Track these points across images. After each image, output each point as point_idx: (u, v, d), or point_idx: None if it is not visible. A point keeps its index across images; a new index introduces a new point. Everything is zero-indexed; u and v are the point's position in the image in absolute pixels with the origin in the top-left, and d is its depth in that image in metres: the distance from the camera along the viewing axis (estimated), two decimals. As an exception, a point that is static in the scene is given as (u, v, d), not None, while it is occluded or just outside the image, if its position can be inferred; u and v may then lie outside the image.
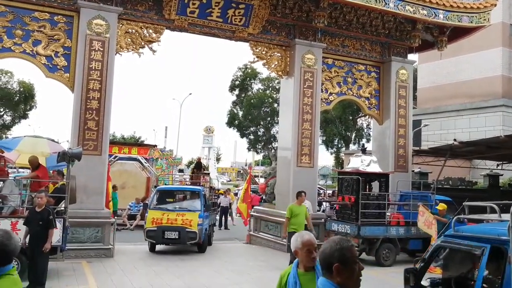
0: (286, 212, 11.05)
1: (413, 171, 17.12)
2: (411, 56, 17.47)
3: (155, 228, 12.30)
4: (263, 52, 14.71)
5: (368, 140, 41.99)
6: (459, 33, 16.42)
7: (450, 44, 16.79)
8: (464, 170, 22.50)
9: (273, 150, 42.98)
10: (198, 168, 20.51)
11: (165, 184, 20.47)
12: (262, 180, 22.51)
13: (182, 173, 24.15)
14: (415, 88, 27.10)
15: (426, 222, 11.99)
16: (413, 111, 18.97)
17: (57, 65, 12.03)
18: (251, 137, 47.17)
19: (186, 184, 19.25)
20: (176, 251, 12.94)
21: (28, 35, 11.78)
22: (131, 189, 19.70)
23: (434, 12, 14.63)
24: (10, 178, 10.49)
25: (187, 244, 12.61)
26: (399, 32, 16.04)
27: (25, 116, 47.24)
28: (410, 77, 16.42)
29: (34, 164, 10.35)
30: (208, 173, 21.66)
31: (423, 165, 19.50)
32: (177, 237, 12.26)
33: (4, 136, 41.55)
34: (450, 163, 18.43)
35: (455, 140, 15.72)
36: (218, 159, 75.83)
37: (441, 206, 12.43)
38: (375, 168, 13.30)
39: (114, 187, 16.39)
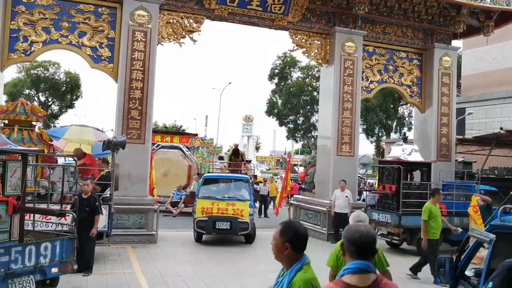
0: (423, 214, 9.33)
1: (456, 160, 16.69)
2: (455, 43, 16.92)
3: (206, 218, 11.94)
4: (303, 40, 14.62)
5: (409, 129, 41.10)
6: (507, 17, 15.78)
7: (497, 29, 16.18)
8: (511, 159, 21.72)
9: (312, 139, 42.75)
10: (236, 155, 19.92)
11: (207, 172, 20.53)
12: (301, 169, 22.52)
13: (223, 161, 23.46)
14: (459, 75, 26.28)
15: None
16: (457, 99, 18.47)
17: (101, 56, 12.39)
18: (290, 125, 47.11)
19: (227, 172, 18.96)
20: (218, 239, 13.04)
21: (74, 27, 12.17)
22: (173, 177, 20.14)
23: (481, -4, 14.12)
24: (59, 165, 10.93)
25: (238, 235, 12.39)
26: (442, 18, 15.57)
27: (71, 106, 48.88)
28: (454, 64, 15.96)
29: (79, 155, 10.73)
30: (250, 161, 21.62)
31: (467, 154, 18.96)
32: (228, 227, 11.93)
33: (52, 125, 43.14)
34: (495, 152, 17.87)
35: (501, 128, 15.21)
36: (257, 148, 76.18)
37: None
38: (416, 157, 13.07)
39: None
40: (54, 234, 7.17)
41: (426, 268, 9.53)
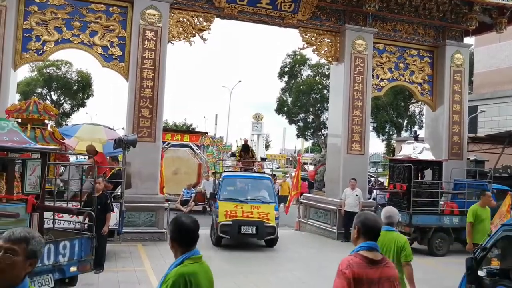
0: (468, 215, 8.65)
1: (468, 159, 16.56)
2: (467, 40, 16.76)
3: (230, 222, 11.14)
4: (313, 38, 14.59)
5: (420, 127, 40.85)
6: (520, 14, 15.60)
7: (510, 26, 15.99)
8: (524, 158, 21.49)
9: (322, 137, 42.63)
10: (246, 150, 18.77)
11: (216, 171, 20.46)
12: (311, 167, 22.47)
13: (235, 158, 22.06)
14: (471, 73, 26.02)
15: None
16: (469, 96, 18.30)
17: (112, 55, 12.47)
18: (300, 124, 47.01)
19: (241, 170, 17.67)
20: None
21: (85, 26, 12.26)
22: (183, 175, 20.20)
23: (493, -7, 13.98)
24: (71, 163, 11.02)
25: (263, 240, 11.75)
26: (454, 15, 15.44)
27: (83, 104, 49.25)
28: (466, 62, 15.82)
29: (92, 152, 10.82)
30: (265, 158, 21.09)
31: (479, 153, 18.80)
32: (254, 232, 11.20)
33: (64, 123, 43.50)
34: (508, 150, 17.68)
35: (514, 126, 15.05)
36: (267, 146, 76.15)
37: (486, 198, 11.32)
38: (427, 155, 12.98)
39: None
40: (73, 233, 7.18)
41: (452, 273, 9.48)
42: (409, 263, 4.89)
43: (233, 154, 19.27)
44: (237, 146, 19.77)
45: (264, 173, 15.59)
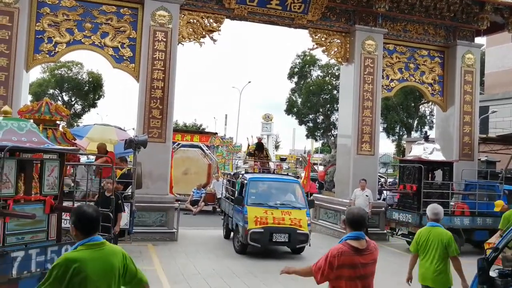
0: (501, 222, 8.47)
1: (479, 159, 16.44)
2: (478, 40, 16.65)
3: (261, 230, 10.31)
4: (323, 39, 14.58)
5: (431, 128, 40.53)
6: (532, 13, 15.47)
7: (522, 26, 15.84)
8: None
9: (332, 138, 42.51)
10: (260, 149, 17.60)
11: (226, 171, 20.42)
12: (321, 168, 22.43)
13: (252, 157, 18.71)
14: (482, 73, 25.83)
15: None
16: (480, 97, 18.18)
17: (123, 56, 12.57)
18: (310, 124, 46.86)
19: (258, 171, 16.06)
20: None
21: (96, 28, 12.38)
22: (193, 176, 20.30)
23: (505, -8, 13.88)
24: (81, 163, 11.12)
25: (295, 248, 11.03)
26: (465, 15, 15.34)
27: (94, 105, 49.50)
28: (477, 62, 15.71)
29: (103, 151, 10.91)
30: (285, 159, 20.34)
31: (490, 154, 18.65)
32: (286, 240, 10.46)
33: (75, 124, 43.83)
34: (520, 151, 17.51)
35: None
36: (277, 147, 76.07)
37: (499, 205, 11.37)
38: (438, 156, 12.92)
39: None
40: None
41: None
42: (457, 256, 5.48)
43: (250, 154, 17.75)
44: (250, 145, 18.86)
45: (287, 174, 14.74)
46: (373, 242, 3.86)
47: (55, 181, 6.28)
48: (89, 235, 3.10)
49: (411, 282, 5.88)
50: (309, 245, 10.84)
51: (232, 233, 12.06)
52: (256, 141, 20.30)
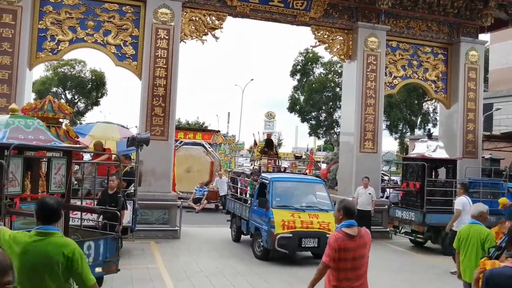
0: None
1: (483, 157, 16.37)
2: (482, 36, 16.59)
3: (290, 235, 9.67)
4: (325, 36, 14.53)
5: (434, 125, 40.41)
6: (537, 10, 15.38)
7: (527, 22, 15.76)
8: (541, 156, 21.17)
9: (335, 135, 42.48)
10: (269, 146, 16.35)
11: (229, 169, 20.21)
12: (323, 166, 22.38)
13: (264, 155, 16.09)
14: (486, 70, 25.69)
15: None
16: (484, 94, 18.09)
17: (125, 54, 12.56)
18: (313, 122, 46.82)
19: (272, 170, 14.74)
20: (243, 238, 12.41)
21: (99, 26, 12.37)
22: (196, 173, 20.29)
23: (509, -11, 13.80)
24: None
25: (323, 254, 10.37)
26: (469, 11, 15.26)
27: (97, 103, 49.62)
28: (481, 58, 15.63)
29: (100, 149, 10.89)
30: (301, 156, 19.05)
31: (494, 151, 18.57)
32: (316, 245, 9.79)
33: (78, 122, 43.91)
34: (524, 149, 17.44)
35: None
36: (279, 144, 76.04)
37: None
38: (441, 153, 12.87)
39: None
40: (100, 233, 7.07)
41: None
42: None
43: (263, 151, 16.00)
44: (258, 142, 17.67)
45: (306, 174, 13.82)
46: (364, 229, 4.44)
47: (62, 179, 6.23)
48: (45, 223, 3.33)
49: (461, 278, 6.09)
50: None
51: (249, 237, 11.54)
52: (264, 137, 19.43)
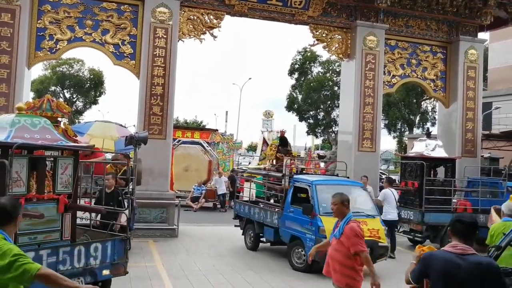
0: None
1: (482, 156, 16.38)
2: (482, 35, 16.58)
3: None
4: (323, 35, 14.53)
5: (433, 124, 40.39)
6: (536, 8, 15.38)
7: (526, 21, 15.77)
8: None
9: (333, 134, 42.44)
10: (284, 144, 14.59)
11: (240, 169, 19.22)
12: (322, 165, 22.38)
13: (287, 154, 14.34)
14: (485, 69, 25.73)
15: None
16: (483, 93, 18.10)
17: (123, 53, 12.55)
18: (311, 121, 46.77)
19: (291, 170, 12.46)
20: (239, 237, 12.14)
21: (97, 25, 12.36)
22: (194, 172, 20.28)
23: (508, -13, 13.80)
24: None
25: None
26: (468, 10, 15.26)
27: (95, 102, 49.56)
28: (480, 57, 15.64)
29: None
30: (324, 156, 17.84)
31: (493, 150, 18.58)
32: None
33: (76, 121, 43.86)
34: (523, 147, 17.45)
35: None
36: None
37: None
38: (440, 153, 12.87)
39: None
40: (109, 234, 6.91)
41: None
42: None
43: (281, 151, 14.04)
44: (272, 140, 15.94)
45: (337, 175, 12.74)
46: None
47: (69, 179, 6.07)
48: (1, 226, 3.24)
49: None
50: (386, 259, 9.38)
51: (283, 246, 10.41)
52: (278, 135, 17.80)
